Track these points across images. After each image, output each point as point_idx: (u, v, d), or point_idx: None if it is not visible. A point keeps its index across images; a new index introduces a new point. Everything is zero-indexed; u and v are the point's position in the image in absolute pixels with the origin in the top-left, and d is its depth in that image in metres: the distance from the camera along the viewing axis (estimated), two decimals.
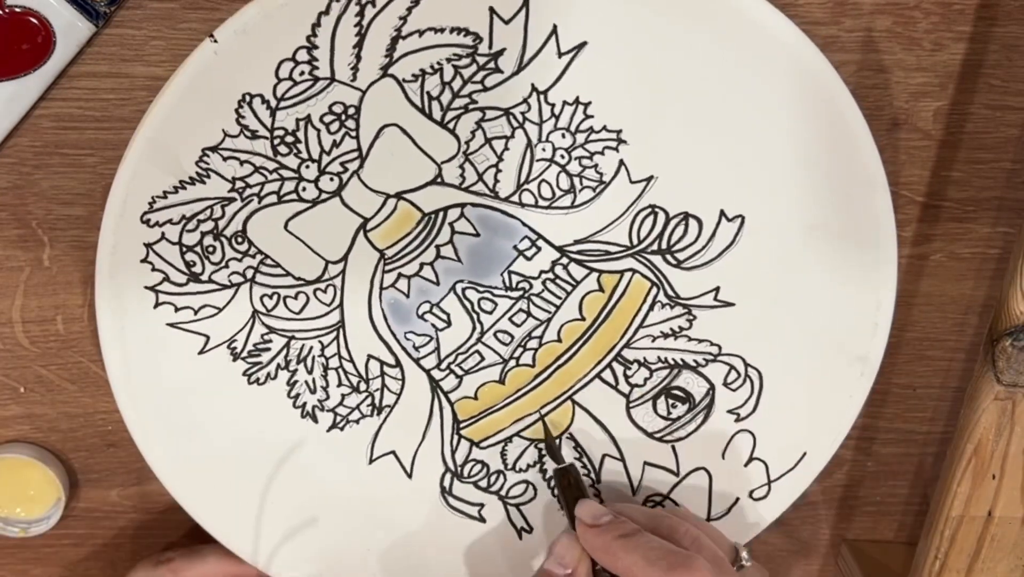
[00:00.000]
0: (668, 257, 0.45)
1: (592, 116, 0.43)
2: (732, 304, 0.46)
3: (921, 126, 0.47)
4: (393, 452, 0.47)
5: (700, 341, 0.47)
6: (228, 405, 0.45)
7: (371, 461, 0.47)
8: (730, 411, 0.48)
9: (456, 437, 0.47)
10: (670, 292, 0.46)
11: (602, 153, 0.44)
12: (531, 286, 0.45)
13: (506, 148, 0.43)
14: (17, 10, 0.41)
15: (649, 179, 0.44)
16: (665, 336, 0.46)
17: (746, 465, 0.48)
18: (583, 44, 0.42)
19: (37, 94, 0.43)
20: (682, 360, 0.47)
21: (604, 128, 0.44)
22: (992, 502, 0.47)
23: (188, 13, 0.43)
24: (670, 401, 0.47)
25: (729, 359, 0.47)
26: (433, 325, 0.45)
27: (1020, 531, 0.48)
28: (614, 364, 0.47)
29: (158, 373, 0.45)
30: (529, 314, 0.45)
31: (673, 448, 0.48)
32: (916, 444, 0.54)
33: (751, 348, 0.47)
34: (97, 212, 0.43)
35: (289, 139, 0.42)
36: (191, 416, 0.45)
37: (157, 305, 0.43)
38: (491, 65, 0.42)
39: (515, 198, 0.44)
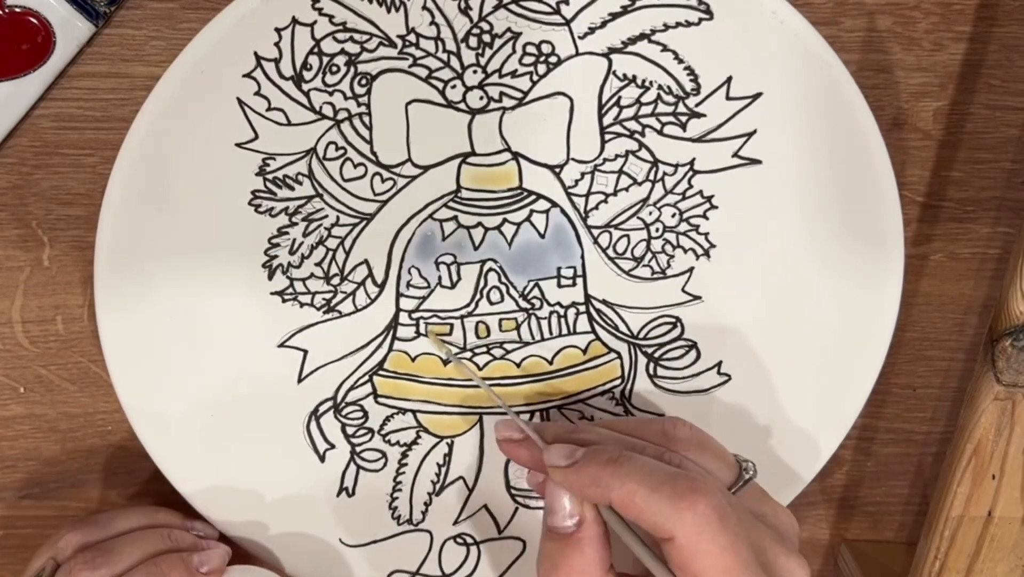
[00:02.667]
0: (651, 365, 0.46)
1: (707, 219, 0.44)
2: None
3: (921, 126, 0.47)
4: (305, 351, 0.45)
5: None
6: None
7: (280, 345, 0.45)
8: None
9: (367, 378, 0.46)
10: (627, 393, 0.46)
11: (685, 252, 0.45)
12: (540, 308, 0.45)
13: (626, 190, 0.44)
14: (17, 10, 0.41)
15: (697, 298, 0.45)
16: (590, 421, 0.47)
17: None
18: (758, 161, 0.44)
19: (37, 94, 0.43)
20: None
21: (706, 236, 0.44)
22: (992, 502, 0.47)
23: (188, 13, 0.43)
24: None
25: None
26: (439, 277, 0.45)
27: (1020, 531, 0.48)
28: (537, 413, 0.47)
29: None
30: (517, 328, 0.45)
31: (516, 509, 0.48)
32: (916, 444, 0.54)
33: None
34: (97, 212, 0.43)
35: (486, 38, 0.41)
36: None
37: (250, 74, 0.41)
38: (685, 116, 0.43)
39: (596, 232, 0.44)
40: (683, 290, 0.45)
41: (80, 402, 0.49)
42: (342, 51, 0.41)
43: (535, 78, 0.42)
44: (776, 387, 0.47)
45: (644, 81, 0.42)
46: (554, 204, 0.44)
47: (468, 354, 0.46)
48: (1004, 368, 0.45)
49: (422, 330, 0.45)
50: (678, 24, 0.42)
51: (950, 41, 0.46)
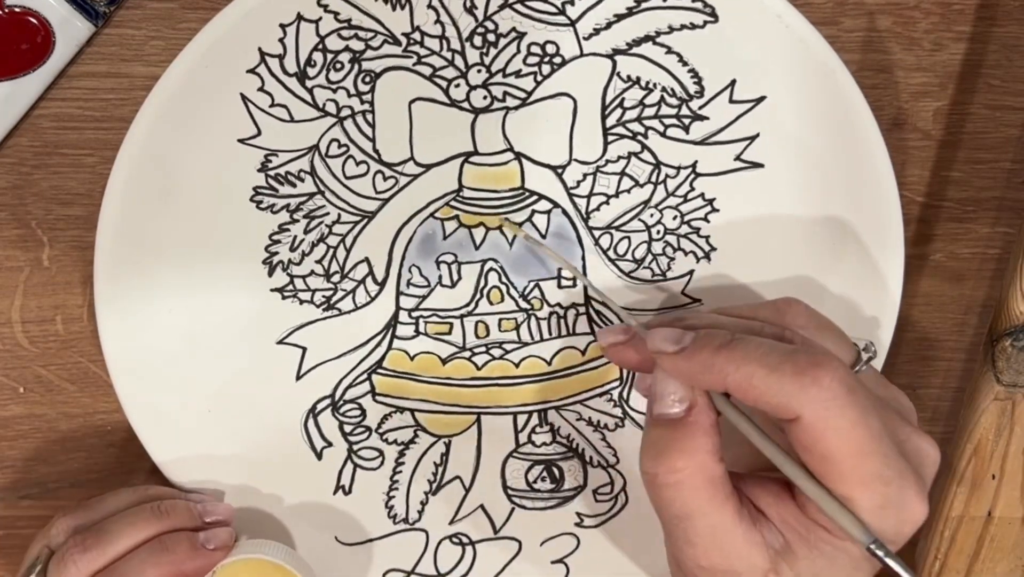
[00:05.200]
0: None
1: (708, 222, 0.44)
2: None
3: (921, 126, 0.47)
4: (304, 349, 0.45)
5: (608, 446, 0.47)
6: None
7: (279, 342, 0.45)
8: (579, 513, 0.48)
9: (365, 376, 0.46)
10: (625, 395, 0.46)
11: (685, 254, 0.45)
12: (540, 308, 0.45)
13: (627, 192, 0.44)
14: (16, 10, 0.41)
15: (697, 300, 0.45)
16: (588, 422, 0.47)
17: (552, 563, 0.49)
18: (760, 165, 0.43)
19: (37, 94, 0.43)
20: (582, 450, 0.47)
21: (707, 239, 0.44)
22: (992, 502, 0.47)
23: (188, 13, 0.43)
24: (543, 474, 0.47)
25: (615, 472, 0.47)
26: (440, 276, 0.45)
27: (1020, 531, 0.48)
28: (535, 414, 0.47)
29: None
30: (517, 328, 0.45)
31: (512, 510, 0.48)
32: None
33: None
34: (97, 212, 0.43)
35: (491, 37, 0.41)
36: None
37: (255, 69, 0.41)
38: (688, 118, 0.43)
39: (597, 234, 0.44)
40: (683, 293, 0.45)
41: (80, 402, 0.49)
42: (346, 48, 0.41)
43: (539, 78, 0.42)
44: None
45: (648, 83, 0.42)
46: (556, 205, 0.44)
47: (467, 354, 0.46)
48: (1004, 368, 0.45)
49: (422, 329, 0.45)
50: (683, 26, 0.42)
51: (950, 41, 0.46)
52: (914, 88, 0.47)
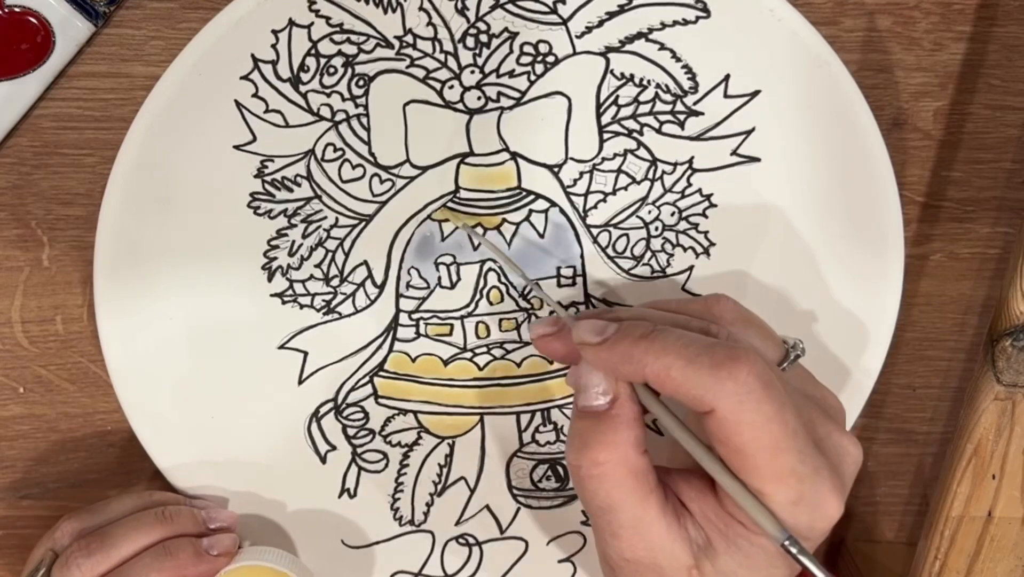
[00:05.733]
0: None
1: (707, 217, 0.44)
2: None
3: (921, 126, 0.47)
4: (306, 353, 0.45)
5: None
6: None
7: (281, 347, 0.45)
8: (584, 511, 0.48)
9: (368, 379, 0.46)
10: None
11: (684, 250, 0.45)
12: (540, 307, 0.45)
13: (625, 189, 0.44)
14: (16, 10, 0.41)
15: (696, 297, 0.45)
16: None
17: (559, 561, 0.49)
18: (757, 159, 0.43)
19: (36, 94, 0.43)
20: None
21: (705, 234, 0.44)
22: (992, 502, 0.47)
23: (188, 13, 0.43)
24: (548, 472, 0.47)
25: None
26: (439, 278, 0.45)
27: (1020, 531, 0.48)
28: (538, 413, 0.47)
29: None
30: (517, 327, 0.45)
31: (518, 510, 0.48)
32: (916, 444, 0.54)
33: None
34: (97, 212, 0.43)
35: (483, 38, 0.41)
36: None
37: (248, 77, 0.41)
38: (683, 114, 0.43)
39: (595, 232, 0.44)
40: (683, 289, 0.45)
41: (80, 402, 0.49)
42: (339, 52, 0.41)
43: (533, 78, 0.42)
44: None
45: (642, 80, 0.42)
46: (553, 204, 0.44)
47: (468, 355, 0.46)
48: (1004, 368, 0.45)
49: (422, 331, 0.45)
50: (675, 22, 0.42)
51: (950, 41, 0.46)
52: (914, 88, 0.47)
